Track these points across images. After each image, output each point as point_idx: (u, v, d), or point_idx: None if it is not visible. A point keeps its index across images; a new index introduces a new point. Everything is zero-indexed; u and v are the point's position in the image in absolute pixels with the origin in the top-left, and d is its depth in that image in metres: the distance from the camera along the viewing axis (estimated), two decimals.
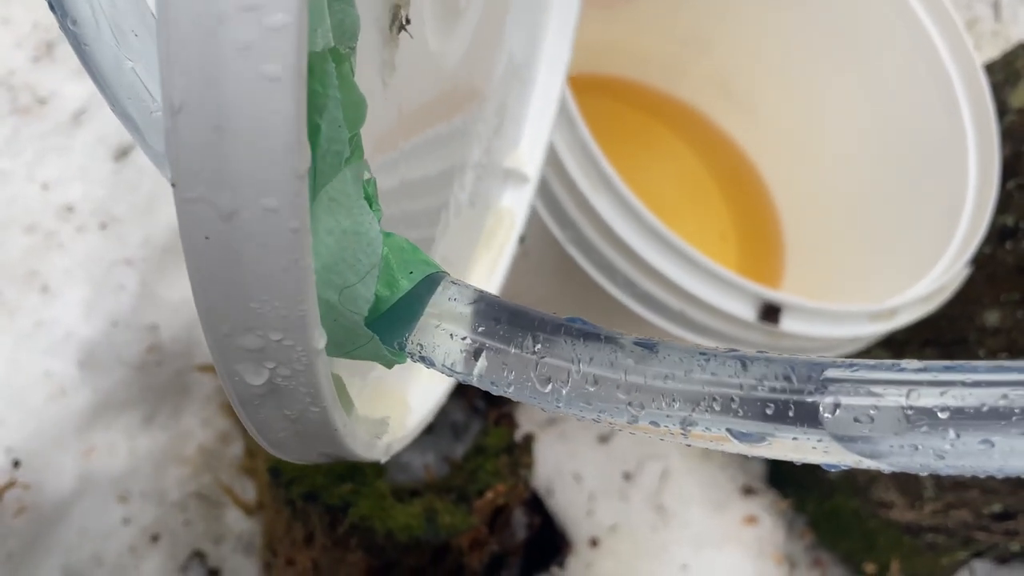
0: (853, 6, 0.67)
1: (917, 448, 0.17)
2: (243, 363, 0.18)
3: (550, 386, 0.20)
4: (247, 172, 0.14)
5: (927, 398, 0.17)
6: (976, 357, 0.69)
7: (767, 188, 0.81)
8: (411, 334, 0.22)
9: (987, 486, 0.70)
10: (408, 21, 0.25)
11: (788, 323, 0.51)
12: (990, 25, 0.77)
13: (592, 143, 0.50)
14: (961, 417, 0.16)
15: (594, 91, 0.81)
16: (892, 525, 0.80)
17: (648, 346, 0.19)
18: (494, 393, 0.22)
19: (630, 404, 0.20)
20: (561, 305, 0.64)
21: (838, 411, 0.17)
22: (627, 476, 0.75)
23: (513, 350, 0.21)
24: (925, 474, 0.17)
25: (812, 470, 0.83)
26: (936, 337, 0.70)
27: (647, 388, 0.19)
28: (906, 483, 0.77)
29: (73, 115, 0.76)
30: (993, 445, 0.16)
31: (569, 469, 0.74)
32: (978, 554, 0.81)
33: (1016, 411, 0.16)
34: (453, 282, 0.23)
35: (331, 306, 0.21)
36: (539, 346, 0.20)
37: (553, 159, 0.51)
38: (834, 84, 0.71)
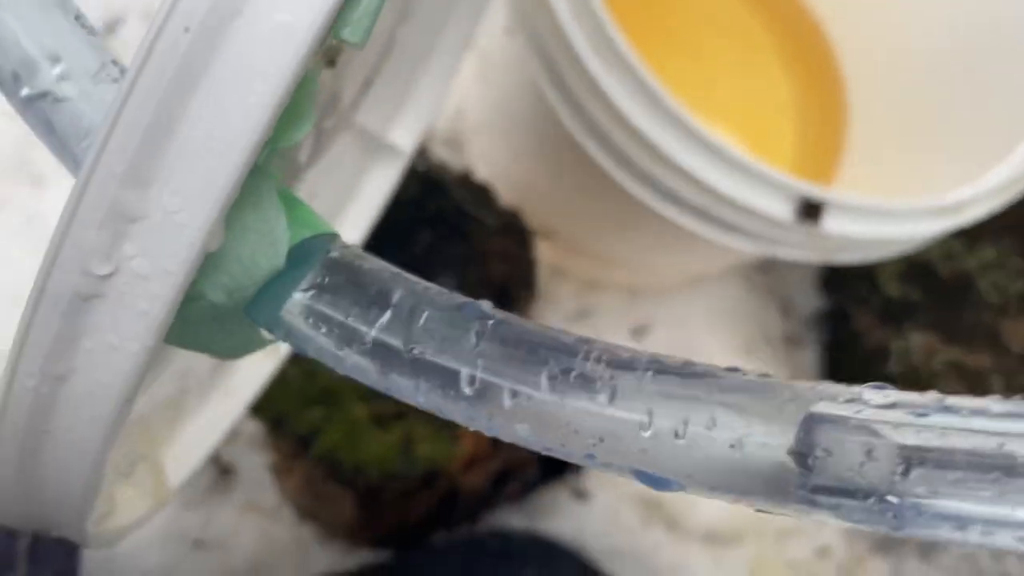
0: None
1: None
2: None
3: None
4: None
5: None
6: None
7: (832, 48, 0.71)
8: (284, 311, 0.17)
9: None
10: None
11: (831, 222, 0.44)
12: None
13: (601, 11, 0.42)
14: None
15: None
16: None
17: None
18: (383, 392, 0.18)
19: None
20: (583, 203, 0.58)
21: None
22: None
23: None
24: None
25: None
26: (1017, 223, 0.62)
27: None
28: None
29: None
30: None
31: None
32: None
33: None
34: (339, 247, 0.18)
35: (214, 306, 0.17)
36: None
37: (557, 32, 0.44)
38: None
